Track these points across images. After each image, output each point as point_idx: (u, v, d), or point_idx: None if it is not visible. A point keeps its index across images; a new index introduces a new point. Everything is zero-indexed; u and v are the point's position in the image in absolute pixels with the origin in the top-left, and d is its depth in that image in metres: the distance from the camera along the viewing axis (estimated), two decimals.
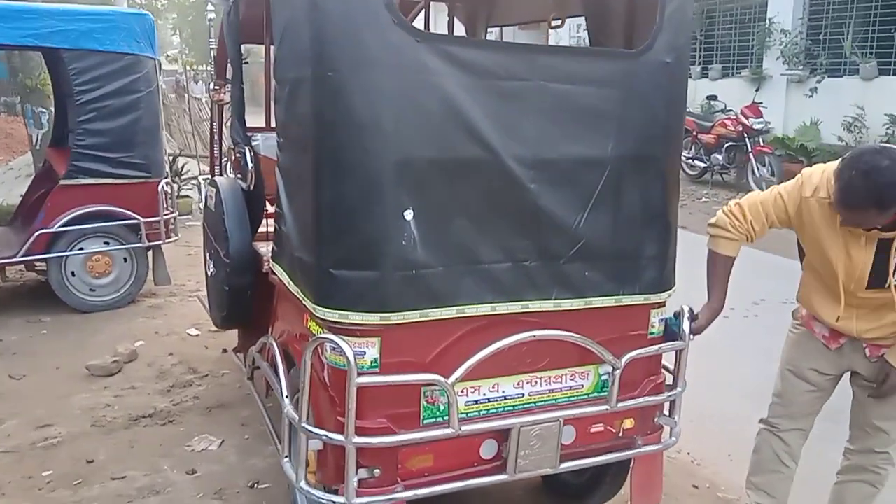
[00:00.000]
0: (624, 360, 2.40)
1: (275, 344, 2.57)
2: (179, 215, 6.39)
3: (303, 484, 2.19)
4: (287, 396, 2.33)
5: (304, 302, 2.28)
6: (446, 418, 2.25)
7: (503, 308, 2.28)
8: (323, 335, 2.11)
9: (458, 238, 2.19)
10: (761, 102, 11.20)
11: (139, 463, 3.41)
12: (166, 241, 5.76)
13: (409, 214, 2.09)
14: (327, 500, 2.16)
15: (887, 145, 2.34)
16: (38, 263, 5.62)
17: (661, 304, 2.57)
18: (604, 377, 2.51)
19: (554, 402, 2.45)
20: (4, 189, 9.51)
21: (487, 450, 2.35)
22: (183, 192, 8.92)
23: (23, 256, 5.34)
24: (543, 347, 2.37)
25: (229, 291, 3.21)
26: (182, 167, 9.04)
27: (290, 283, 2.44)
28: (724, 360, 4.51)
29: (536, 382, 2.42)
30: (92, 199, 5.39)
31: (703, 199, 10.84)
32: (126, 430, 3.75)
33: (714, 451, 3.59)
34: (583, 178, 2.34)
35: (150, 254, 5.80)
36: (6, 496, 3.13)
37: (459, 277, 2.21)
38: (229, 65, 3.59)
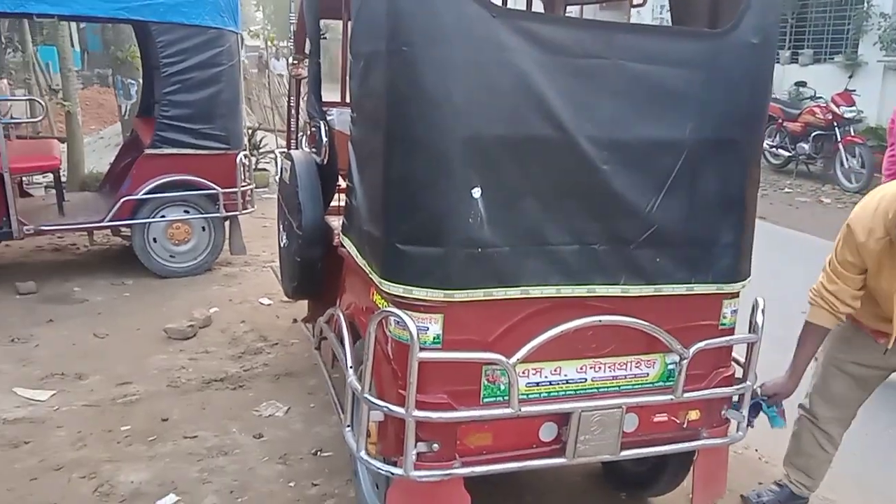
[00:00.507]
0: (692, 349, 2.34)
1: (342, 316, 2.62)
2: (256, 188, 6.57)
3: (363, 454, 2.23)
4: (351, 367, 2.37)
5: (370, 275, 2.31)
6: (507, 398, 2.25)
7: (569, 291, 2.25)
8: (387, 309, 2.13)
9: (525, 218, 2.17)
10: (854, 90, 10.64)
11: (210, 424, 3.55)
12: (243, 211, 5.93)
13: (476, 192, 2.09)
14: (386, 470, 2.20)
15: None
16: (123, 229, 5.88)
17: (735, 295, 2.49)
18: (671, 366, 2.45)
19: (617, 388, 2.41)
20: (95, 157, 10.00)
21: (547, 432, 2.34)
22: (260, 166, 9.16)
23: (109, 222, 5.60)
24: (609, 333, 2.33)
25: (301, 263, 3.28)
26: (260, 141, 9.27)
27: (359, 256, 2.47)
28: None
29: (600, 368, 2.38)
30: (174, 169, 5.59)
31: (786, 190, 10.42)
32: (199, 392, 3.91)
33: (784, 450, 3.47)
34: (658, 161, 2.27)
35: (227, 224, 5.99)
36: (88, 447, 3.31)
37: (525, 258, 2.19)
38: (308, 40, 3.64)
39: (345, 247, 2.69)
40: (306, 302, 4.08)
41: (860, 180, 9.51)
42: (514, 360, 2.15)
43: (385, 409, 2.15)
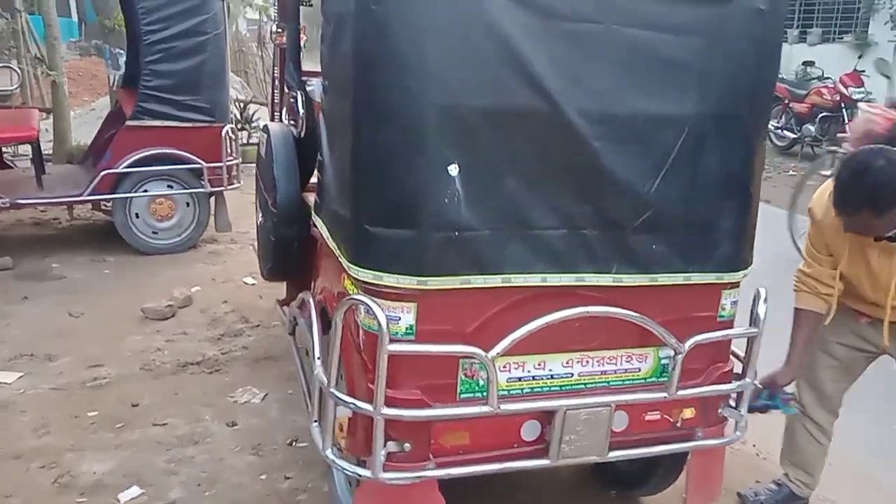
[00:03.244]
0: (688, 344, 2.16)
1: (311, 302, 2.44)
2: (245, 163, 6.36)
3: (328, 453, 2.06)
4: (319, 358, 2.19)
5: (340, 259, 2.12)
6: (485, 394, 2.08)
7: (555, 280, 2.07)
8: (355, 296, 1.95)
9: (508, 199, 1.98)
10: (863, 71, 10.38)
11: (182, 410, 3.38)
12: (228, 187, 5.72)
13: (453, 169, 1.89)
14: (352, 472, 2.03)
15: (887, 147, 2.22)
16: (104, 204, 5.69)
17: (735, 285, 2.31)
18: (664, 361, 2.28)
19: (606, 384, 2.24)
20: (86, 129, 9.73)
21: (529, 431, 2.16)
22: (252, 140, 8.92)
23: (89, 195, 5.41)
24: (598, 325, 2.14)
25: (275, 243, 3.09)
26: (253, 115, 9.02)
27: (329, 238, 2.29)
28: None
29: (588, 362, 2.20)
30: (157, 142, 5.38)
31: (791, 173, 10.18)
32: (173, 376, 3.74)
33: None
34: (656, 138, 2.07)
35: (212, 199, 5.79)
36: (51, 433, 3.15)
37: (507, 243, 2.00)
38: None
39: (316, 227, 2.50)
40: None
41: None
42: (493, 353, 1.96)
43: (351, 405, 1.97)
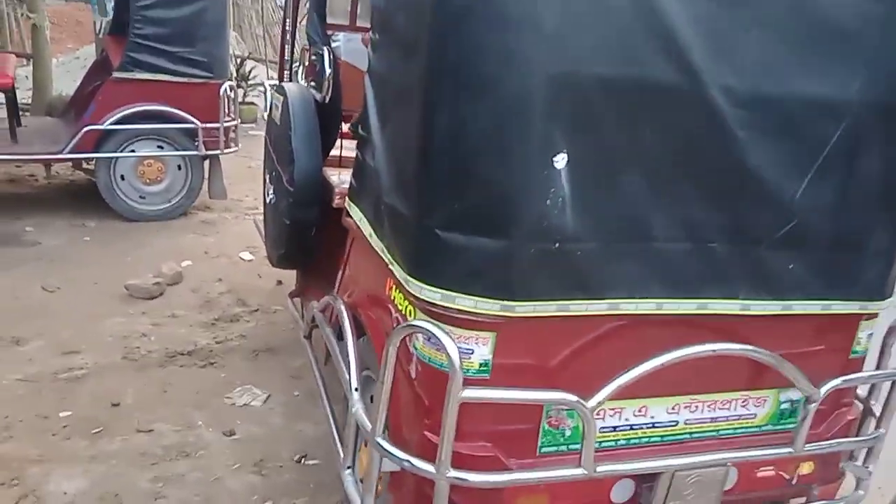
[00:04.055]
0: (824, 389, 1.71)
1: (343, 309, 1.95)
2: (242, 123, 5.81)
3: None
4: (357, 389, 1.72)
5: (391, 266, 1.64)
6: (572, 447, 1.63)
7: (672, 307, 1.60)
8: (416, 322, 1.47)
9: (623, 201, 1.50)
10: None
11: (170, 413, 2.90)
12: (225, 150, 5.19)
13: (560, 160, 1.41)
14: None
15: None
16: (86, 162, 5.14)
17: (873, 316, 1.86)
18: (784, 406, 1.84)
19: (715, 434, 1.80)
20: (69, 79, 9.07)
21: (620, 492, 1.72)
22: (248, 99, 8.34)
23: (69, 153, 4.85)
24: (713, 363, 1.68)
25: (290, 226, 2.60)
26: (249, 71, 8.43)
27: (373, 235, 1.80)
28: None
29: (697, 408, 1.75)
30: (147, 97, 4.83)
31: None
32: (160, 369, 3.25)
33: None
34: (809, 128, 1.60)
35: (206, 163, 5.26)
36: (14, 438, 2.67)
37: (618, 259, 1.53)
38: None
39: (351, 217, 2.01)
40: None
41: None
42: (594, 402, 1.50)
43: (406, 463, 1.50)
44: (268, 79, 9.33)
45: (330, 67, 2.53)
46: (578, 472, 1.54)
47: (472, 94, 1.37)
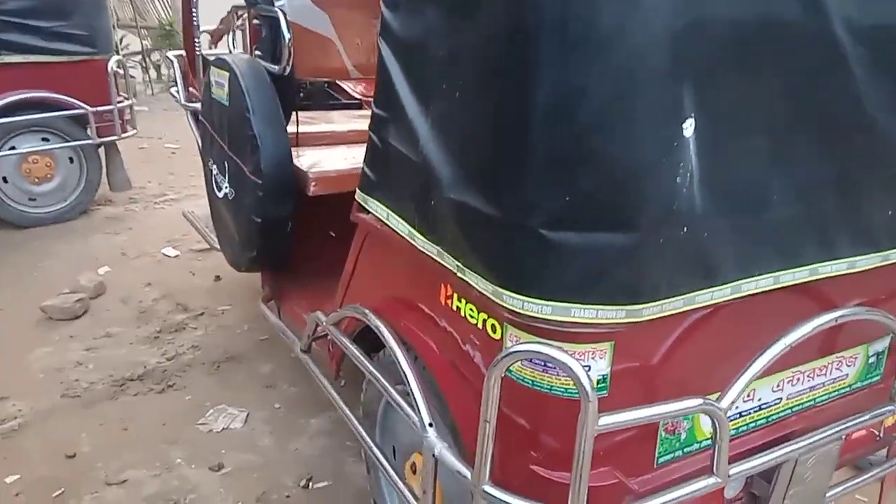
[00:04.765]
0: None
1: (382, 324, 1.63)
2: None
3: None
4: (431, 425, 1.43)
5: (460, 274, 1.34)
6: (686, 451, 1.43)
7: (787, 278, 1.40)
8: (530, 347, 1.18)
9: (744, 165, 1.27)
10: None
11: (141, 455, 2.50)
12: (123, 135, 4.59)
13: (689, 126, 1.15)
14: None
15: None
16: None
17: None
18: (871, 359, 1.71)
19: (812, 403, 1.64)
20: None
21: (731, 487, 1.54)
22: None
23: None
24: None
25: (263, 225, 2.23)
26: (120, 40, 7.56)
27: (416, 235, 1.49)
28: None
29: (798, 380, 1.59)
30: (22, 83, 4.19)
31: None
32: (112, 402, 2.81)
33: None
34: None
35: (102, 152, 4.65)
36: None
37: (740, 234, 1.30)
38: None
39: (369, 212, 1.68)
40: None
41: None
42: (726, 401, 1.29)
43: None
44: (143, 50, 8.47)
45: (289, 32, 2.14)
46: (712, 481, 1.33)
47: (586, 53, 1.08)
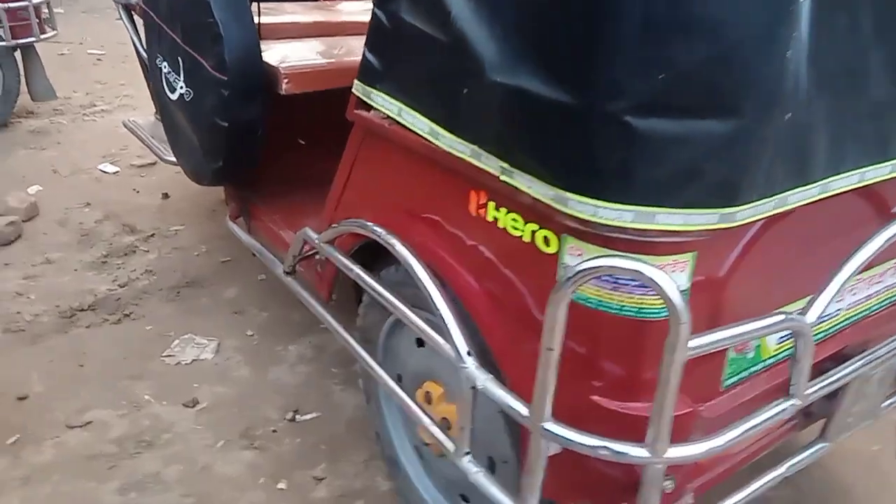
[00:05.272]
0: None
1: (406, 250, 1.39)
2: None
3: None
4: (470, 354, 1.23)
5: (504, 177, 1.12)
6: (752, 371, 1.28)
7: (872, 174, 1.23)
8: (611, 262, 0.97)
9: (851, 42, 1.07)
10: None
11: (102, 394, 2.25)
12: (42, 37, 4.08)
13: None
14: None
15: None
16: None
17: None
18: None
19: (868, 313, 1.52)
20: None
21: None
22: None
23: None
24: (867, 234, 1.37)
25: (230, 129, 1.93)
26: None
27: (441, 133, 1.24)
28: None
29: (856, 289, 1.45)
30: None
31: None
32: (61, 336, 2.53)
33: None
34: None
35: (19, 57, 4.13)
36: None
37: (837, 124, 1.11)
38: None
39: (375, 108, 1.42)
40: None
41: None
42: (812, 315, 1.13)
43: (603, 450, 1.07)
44: None
45: None
46: (790, 403, 1.19)
47: None
